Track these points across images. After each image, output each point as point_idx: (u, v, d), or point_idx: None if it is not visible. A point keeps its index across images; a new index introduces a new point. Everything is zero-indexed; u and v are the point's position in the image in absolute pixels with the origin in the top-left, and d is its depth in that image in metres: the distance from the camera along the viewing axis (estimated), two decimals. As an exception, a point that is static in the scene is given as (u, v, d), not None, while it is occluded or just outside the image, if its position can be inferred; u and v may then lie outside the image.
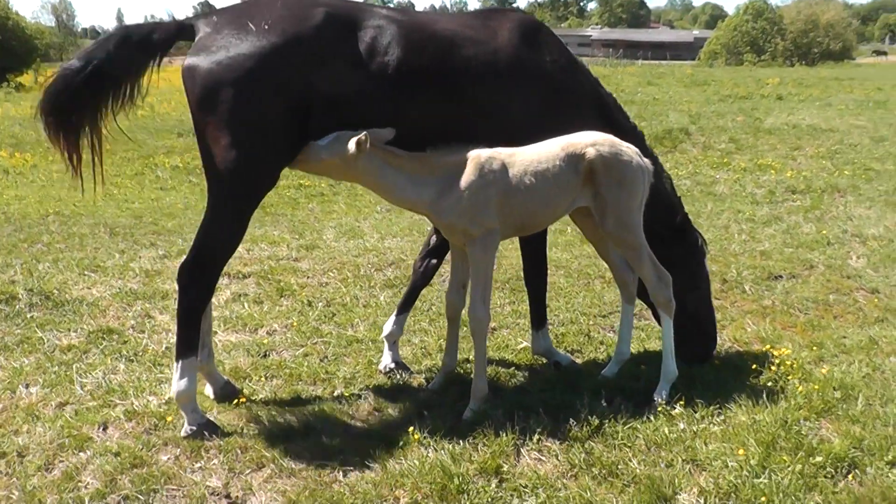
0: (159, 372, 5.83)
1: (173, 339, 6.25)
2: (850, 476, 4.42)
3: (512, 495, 4.32)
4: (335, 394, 5.54)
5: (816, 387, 5.32)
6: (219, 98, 4.59)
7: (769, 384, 5.48)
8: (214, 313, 6.70)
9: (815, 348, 6.19)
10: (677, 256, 5.73)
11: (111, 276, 8.04)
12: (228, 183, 4.71)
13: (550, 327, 6.22)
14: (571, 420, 4.93)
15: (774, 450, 4.60)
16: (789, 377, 5.56)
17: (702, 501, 4.25)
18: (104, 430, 5.04)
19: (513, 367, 6.01)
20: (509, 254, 8.67)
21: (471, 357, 5.98)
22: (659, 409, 5.13)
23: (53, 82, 4.71)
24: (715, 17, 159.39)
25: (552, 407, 5.12)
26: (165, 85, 33.48)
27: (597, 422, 4.92)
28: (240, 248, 5.38)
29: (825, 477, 4.41)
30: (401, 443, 4.78)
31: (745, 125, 19.66)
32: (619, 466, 4.53)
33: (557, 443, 4.77)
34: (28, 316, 6.92)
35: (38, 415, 5.21)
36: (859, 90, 29.05)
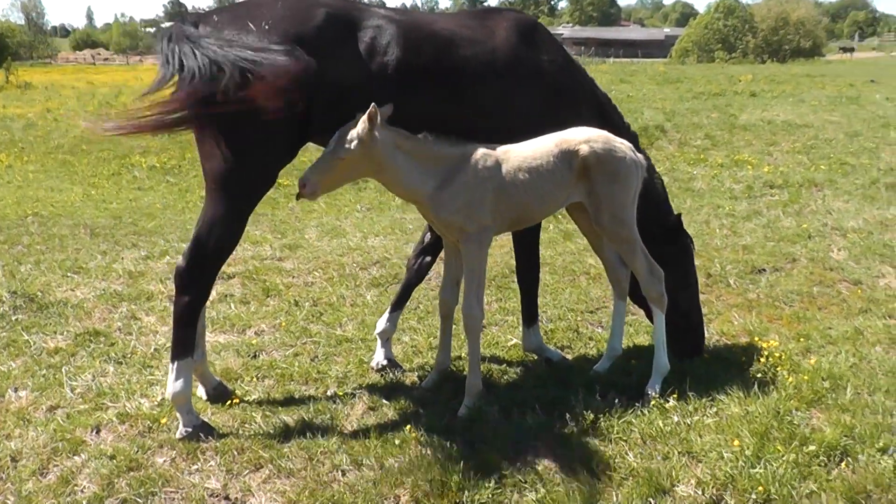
0: (149, 374, 5.79)
1: (161, 340, 6.31)
2: (842, 464, 4.48)
3: (512, 491, 4.33)
4: (328, 393, 5.52)
5: (806, 377, 5.39)
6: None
7: (759, 376, 5.53)
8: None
9: (801, 340, 6.26)
10: (670, 255, 5.79)
11: (94, 278, 7.98)
12: (228, 183, 4.69)
13: (539, 324, 6.23)
14: (567, 415, 4.96)
15: (768, 440, 4.65)
16: (778, 368, 5.62)
17: (700, 492, 4.29)
18: (97, 433, 5.00)
19: (504, 364, 6.02)
20: (494, 252, 8.68)
21: (462, 354, 6.00)
22: (652, 402, 5.16)
23: None
24: (686, 14, 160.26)
25: (547, 403, 5.15)
26: (137, 83, 33.28)
27: (592, 416, 4.96)
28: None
29: (819, 465, 4.47)
30: (398, 441, 4.77)
31: (719, 122, 19.77)
32: (617, 460, 4.57)
33: (553, 438, 4.79)
34: (13, 319, 6.85)
35: (29, 419, 5.16)
36: (831, 86, 29.31)
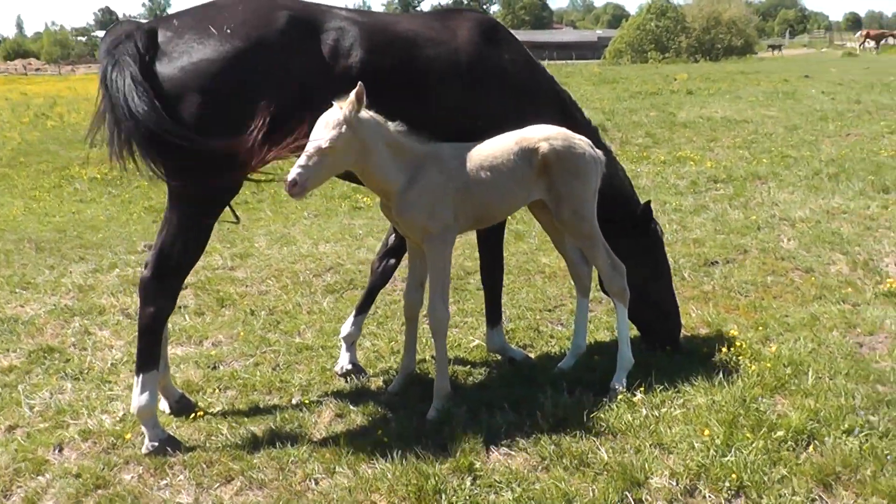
0: (108, 389, 5.67)
1: (118, 354, 6.21)
2: (810, 447, 4.55)
3: (487, 491, 4.31)
4: (293, 402, 5.45)
5: (768, 365, 5.47)
6: (183, 104, 4.48)
7: (721, 365, 5.58)
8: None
9: (760, 328, 6.34)
10: (642, 247, 5.83)
11: (43, 293, 7.79)
12: (190, 194, 4.60)
13: (502, 324, 6.21)
14: (537, 413, 4.95)
15: (736, 428, 4.70)
16: (740, 357, 5.69)
17: (674, 483, 4.32)
18: (60, 451, 4.88)
19: (468, 366, 6.00)
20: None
21: (427, 357, 5.98)
22: (620, 397, 5.18)
23: None
24: (617, 16, 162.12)
25: (515, 402, 5.14)
26: (71, 94, 32.66)
27: (561, 413, 4.96)
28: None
29: (787, 450, 4.54)
30: (370, 447, 4.72)
31: (659, 120, 19.99)
32: (589, 455, 4.57)
33: (525, 437, 4.79)
34: (-38, 337, 6.66)
35: (-14, 440, 5.02)
36: (766, 82, 29.79)
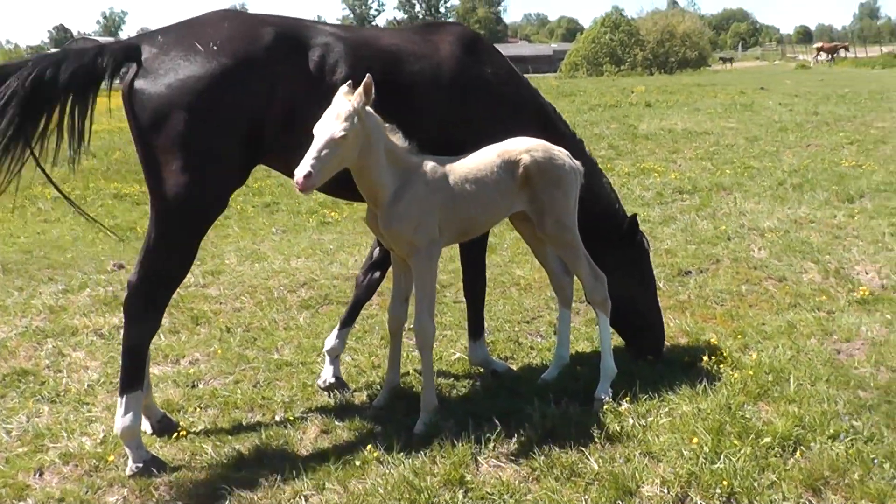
0: (86, 411, 5.55)
1: (94, 376, 6.11)
2: (797, 453, 4.60)
3: (480, 504, 4.29)
4: (277, 419, 5.39)
5: (750, 372, 5.52)
6: (169, 122, 4.44)
7: (704, 374, 5.63)
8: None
9: (738, 337, 6.40)
10: (629, 259, 5.88)
11: (14, 315, 7.63)
12: (178, 208, 4.54)
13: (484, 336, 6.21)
14: (525, 425, 4.95)
15: (723, 435, 4.73)
16: (721, 365, 5.74)
17: (665, 491, 4.33)
18: (41, 475, 4.75)
19: (451, 378, 5.98)
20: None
21: (410, 371, 5.96)
22: (606, 406, 5.19)
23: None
24: (571, 30, 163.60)
25: (502, 414, 5.10)
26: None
27: (549, 424, 4.96)
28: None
29: (775, 456, 4.58)
30: (359, 462, 4.68)
31: (620, 132, 20.19)
32: (579, 465, 4.57)
33: (514, 448, 4.78)
34: (-67, 363, 6.50)
35: (-35, 466, 4.89)
36: (723, 94, 30.21)
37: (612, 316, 5.65)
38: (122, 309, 7.41)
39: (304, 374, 6.13)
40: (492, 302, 7.77)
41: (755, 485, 4.30)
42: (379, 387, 5.76)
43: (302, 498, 4.42)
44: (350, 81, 4.53)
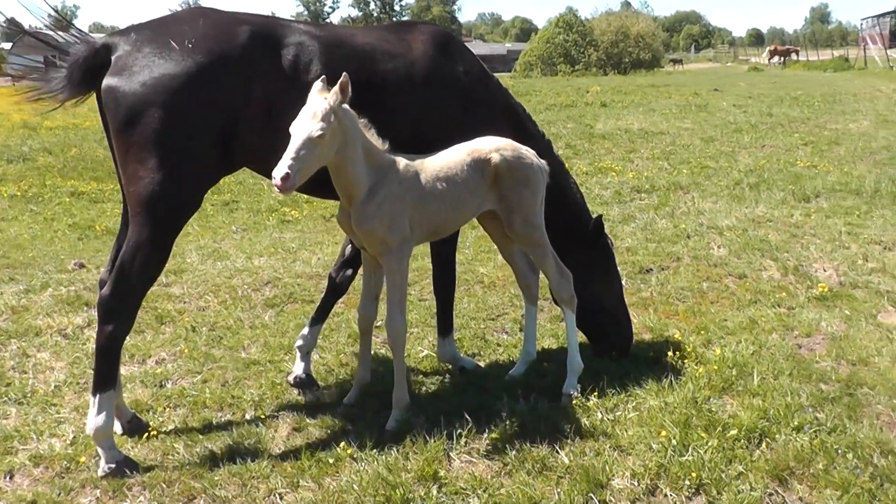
0: (55, 412, 5.48)
1: (61, 376, 6.05)
2: (763, 445, 4.72)
3: (454, 499, 4.34)
4: (248, 417, 5.39)
5: (714, 367, 5.63)
6: (144, 120, 4.42)
7: (669, 369, 5.73)
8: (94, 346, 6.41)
9: (701, 332, 6.51)
10: (595, 259, 5.97)
11: (-26, 317, 7.53)
12: (153, 207, 4.52)
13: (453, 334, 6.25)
14: (495, 420, 5.01)
15: (690, 428, 4.84)
16: (686, 361, 5.83)
17: (635, 484, 4.41)
18: (11, 478, 4.69)
19: (421, 376, 6.02)
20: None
21: (380, 369, 5.99)
22: (574, 402, 5.27)
23: None
24: (525, 30, 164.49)
25: (472, 410, 5.14)
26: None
27: (518, 420, 5.02)
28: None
29: (741, 448, 4.69)
30: (332, 460, 4.70)
31: (577, 131, 20.38)
32: (550, 460, 4.64)
33: (486, 443, 4.83)
34: None
35: (-68, 470, 4.82)
36: (677, 95, 30.60)
37: (578, 315, 5.73)
38: (85, 308, 7.48)
39: (273, 372, 6.12)
40: (457, 300, 7.74)
41: (723, 476, 4.39)
42: (348, 385, 5.77)
43: (276, 496, 4.43)
44: (324, 77, 4.55)
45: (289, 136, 4.36)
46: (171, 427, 5.28)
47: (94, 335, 6.56)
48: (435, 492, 4.36)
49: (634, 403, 5.25)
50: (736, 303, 7.32)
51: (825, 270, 8.13)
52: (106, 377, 4.64)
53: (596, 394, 5.33)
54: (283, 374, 5.98)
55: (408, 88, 5.22)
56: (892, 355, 5.97)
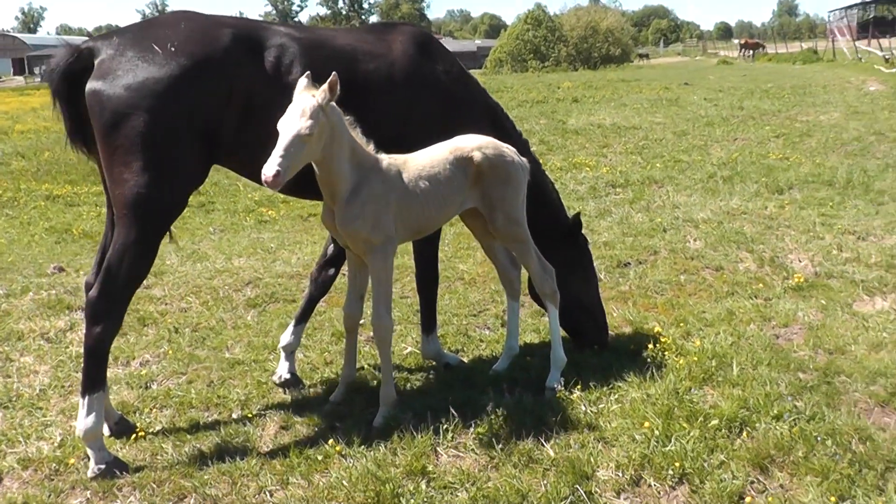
0: (41, 416, 5.49)
1: (45, 380, 6.06)
2: (744, 434, 4.81)
3: (443, 492, 4.39)
4: (235, 416, 5.42)
5: (694, 358, 5.72)
6: (129, 123, 4.45)
7: (650, 361, 5.81)
8: (78, 349, 6.42)
9: (680, 325, 6.61)
10: (572, 256, 6.07)
11: (-45, 322, 7.50)
12: (139, 208, 4.55)
13: (437, 331, 6.31)
14: (481, 415, 5.07)
15: (672, 419, 4.91)
16: (666, 353, 5.93)
17: (620, 474, 4.49)
18: (0, 482, 4.72)
19: (405, 373, 6.07)
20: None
21: (365, 366, 6.04)
22: (558, 395, 5.34)
23: None
24: (494, 27, 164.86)
25: (458, 405, 5.20)
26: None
27: (504, 414, 5.07)
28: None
29: (723, 437, 4.78)
30: (321, 456, 4.75)
31: (550, 127, 20.50)
32: (536, 452, 4.71)
33: (472, 438, 4.89)
34: None
35: (-80, 476, 4.83)
36: (648, 90, 30.81)
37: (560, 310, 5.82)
38: (67, 312, 7.47)
39: (258, 371, 6.16)
40: (438, 296, 7.85)
41: (705, 465, 4.48)
42: (333, 383, 5.82)
43: (266, 493, 4.48)
44: (308, 73, 4.58)
45: (273, 135, 4.40)
46: (158, 428, 5.30)
47: (79, 338, 6.66)
48: (424, 486, 4.41)
49: (617, 396, 5.33)
50: (714, 295, 7.43)
51: (801, 261, 8.26)
52: (94, 378, 4.67)
53: (579, 387, 5.40)
54: (269, 374, 6.02)
55: (389, 88, 5.29)
56: (869, 343, 6.10)
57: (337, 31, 5.78)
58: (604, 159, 15.94)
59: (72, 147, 4.84)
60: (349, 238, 4.97)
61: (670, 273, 8.12)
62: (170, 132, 4.55)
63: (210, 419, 5.43)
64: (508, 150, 5.44)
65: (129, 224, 4.57)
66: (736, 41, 77.23)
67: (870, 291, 7.31)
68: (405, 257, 8.55)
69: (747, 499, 4.22)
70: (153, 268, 8.75)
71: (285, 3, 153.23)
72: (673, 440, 4.68)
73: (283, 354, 5.88)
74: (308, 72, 4.61)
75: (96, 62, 4.59)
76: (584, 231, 6.34)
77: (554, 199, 6.21)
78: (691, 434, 4.73)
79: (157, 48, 4.58)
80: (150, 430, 5.25)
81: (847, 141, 16.23)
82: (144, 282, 8.35)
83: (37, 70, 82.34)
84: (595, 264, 8.20)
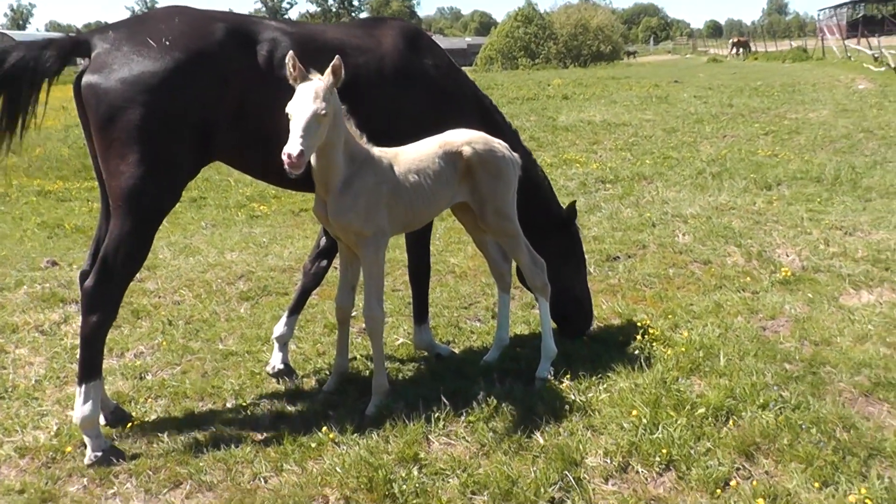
0: (37, 406, 5.55)
1: (41, 371, 6.11)
2: (730, 422, 4.90)
3: (434, 479, 4.46)
4: (229, 406, 5.49)
5: (682, 349, 5.81)
6: (125, 116, 4.51)
7: (638, 352, 5.91)
8: (73, 341, 6.48)
9: (668, 317, 6.70)
10: (565, 247, 6.16)
11: (-50, 315, 7.54)
12: (135, 200, 4.62)
13: (428, 322, 6.38)
14: (472, 404, 5.14)
15: (660, 407, 5.00)
16: (654, 344, 6.02)
17: (608, 461, 4.57)
18: (-3, 470, 4.79)
19: (397, 363, 6.14)
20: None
21: (357, 357, 6.11)
22: (548, 385, 5.42)
23: None
24: (485, 24, 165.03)
25: (449, 394, 5.28)
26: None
27: (494, 403, 5.14)
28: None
29: (709, 426, 4.87)
30: (314, 444, 4.82)
31: (540, 124, 20.57)
32: (526, 440, 4.80)
33: (463, 426, 4.98)
34: None
35: (-82, 465, 4.88)
36: (638, 87, 30.92)
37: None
38: (61, 305, 7.52)
39: (251, 362, 6.22)
40: (430, 289, 7.93)
41: (692, 452, 4.57)
42: (326, 373, 5.89)
43: (261, 479, 4.55)
44: (291, 52, 4.61)
45: (260, 132, 4.47)
46: (153, 417, 5.37)
47: (73, 330, 6.71)
48: (416, 472, 4.49)
49: (606, 385, 5.41)
50: (701, 288, 7.52)
51: (788, 255, 8.36)
52: (91, 367, 4.73)
53: (569, 377, 5.49)
54: (262, 364, 6.08)
55: (378, 82, 5.36)
56: (854, 335, 6.20)
57: (327, 26, 5.85)
58: (594, 156, 16.01)
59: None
60: (341, 230, 5.04)
61: (659, 267, 8.21)
62: (165, 125, 4.61)
63: (204, 409, 5.50)
64: (499, 145, 5.50)
65: (125, 215, 4.63)
66: (730, 42, 77.27)
67: (856, 285, 7.42)
68: (397, 251, 8.62)
69: (732, 482, 4.31)
70: (146, 262, 8.79)
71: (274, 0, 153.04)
72: (660, 428, 4.77)
73: (276, 345, 5.95)
74: (291, 51, 4.64)
75: (92, 56, 4.65)
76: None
77: (545, 190, 6.29)
78: (678, 422, 4.82)
79: (151, 42, 4.64)
80: (146, 420, 5.31)
81: (836, 138, 16.35)
82: (138, 275, 8.41)
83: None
84: (585, 258, 8.38)
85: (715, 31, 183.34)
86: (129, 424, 5.18)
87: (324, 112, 4.46)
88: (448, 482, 4.43)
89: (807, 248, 8.53)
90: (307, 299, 6.23)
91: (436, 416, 5.02)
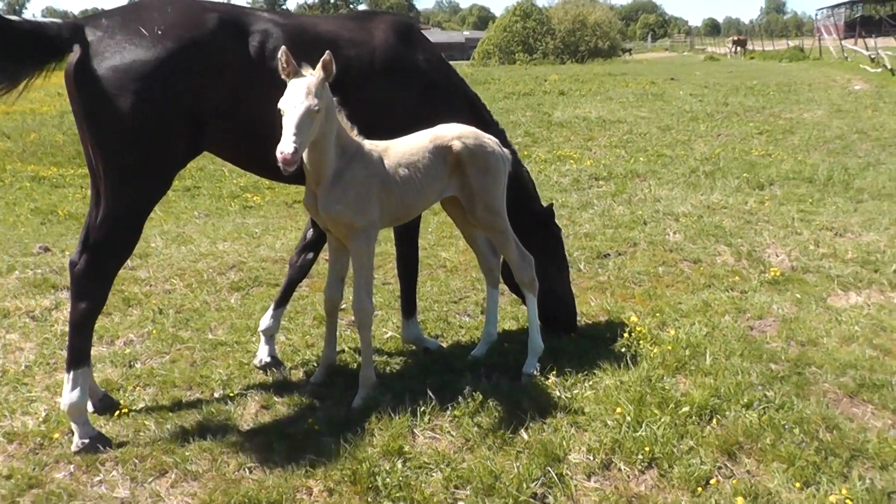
0: (26, 391, 5.57)
1: (31, 357, 6.13)
2: (713, 421, 4.94)
3: (418, 472, 4.50)
4: (216, 396, 5.51)
5: (668, 347, 5.84)
6: (116, 104, 4.52)
7: (625, 349, 5.94)
8: (63, 328, 6.50)
9: (656, 315, 6.74)
10: (547, 245, 6.20)
11: (-58, 299, 7.55)
12: (125, 188, 4.65)
13: (417, 316, 6.41)
14: (458, 398, 5.17)
15: (644, 405, 5.04)
16: (641, 342, 6.05)
17: (591, 458, 4.61)
18: (-15, 455, 4.81)
19: (385, 356, 6.17)
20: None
21: (345, 349, 6.14)
22: (534, 380, 5.45)
23: None
24: (483, 18, 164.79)
25: (436, 388, 5.31)
26: None
27: (480, 398, 5.16)
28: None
29: (693, 424, 4.91)
30: (300, 436, 4.86)
31: (535, 119, 20.60)
32: (510, 435, 4.82)
33: (449, 420, 5.00)
34: None
35: None
36: (634, 84, 30.91)
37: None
38: (52, 291, 7.53)
39: (240, 353, 6.24)
40: (420, 283, 7.89)
41: (675, 450, 4.61)
42: (314, 365, 5.92)
43: (246, 469, 4.57)
44: (284, 47, 4.62)
45: (252, 122, 4.48)
46: (141, 405, 5.39)
47: (64, 317, 6.73)
48: (400, 466, 4.52)
49: (591, 382, 5.45)
50: (690, 286, 7.56)
51: (777, 255, 8.40)
52: (79, 353, 4.76)
53: (554, 373, 5.52)
54: (250, 355, 6.11)
55: (369, 75, 5.38)
56: (841, 336, 6.25)
57: (319, 18, 5.87)
58: (588, 152, 16.06)
59: None
60: (331, 222, 5.05)
61: (649, 265, 8.25)
62: (156, 114, 4.62)
63: (192, 398, 5.52)
64: (490, 140, 5.53)
65: (115, 203, 4.65)
66: (730, 40, 77.36)
67: (844, 286, 7.46)
68: (386, 244, 8.64)
69: (712, 481, 4.35)
70: (138, 250, 8.91)
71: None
72: (644, 426, 4.80)
73: (262, 338, 5.97)
74: (283, 46, 4.66)
75: (84, 43, 4.65)
76: (562, 222, 6.45)
77: (530, 188, 6.32)
78: (662, 420, 4.86)
79: (144, 31, 4.65)
80: (134, 408, 5.33)
81: (830, 139, 16.41)
82: (129, 263, 8.54)
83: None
84: (575, 255, 8.43)
85: (713, 29, 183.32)
86: (117, 412, 5.20)
87: (316, 108, 4.48)
88: (431, 476, 4.47)
89: (796, 249, 8.58)
90: (294, 291, 6.24)
91: (422, 409, 5.05)
